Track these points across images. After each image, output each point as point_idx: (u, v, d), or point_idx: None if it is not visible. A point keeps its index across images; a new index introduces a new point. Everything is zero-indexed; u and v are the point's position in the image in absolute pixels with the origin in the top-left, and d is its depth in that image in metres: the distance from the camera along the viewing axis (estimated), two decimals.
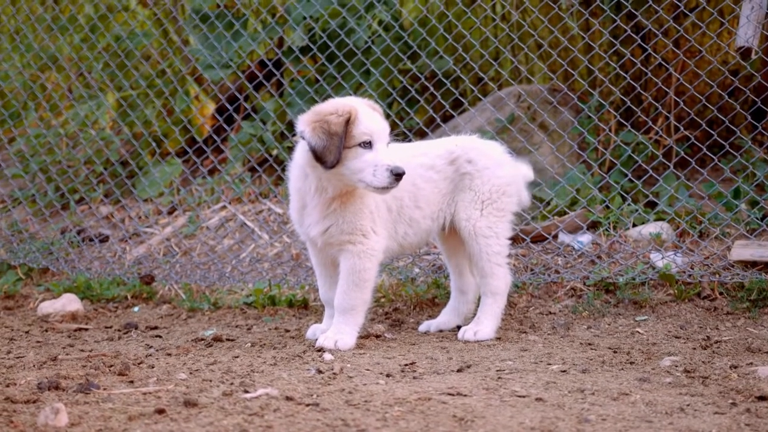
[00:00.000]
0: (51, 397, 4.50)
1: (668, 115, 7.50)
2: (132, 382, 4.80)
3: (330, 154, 5.27)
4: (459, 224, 5.80)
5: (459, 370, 5.01)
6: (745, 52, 6.65)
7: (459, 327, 5.98)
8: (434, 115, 7.76)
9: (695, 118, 7.17)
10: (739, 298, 6.25)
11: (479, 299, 5.92)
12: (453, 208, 5.82)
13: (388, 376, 4.90)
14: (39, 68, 9.43)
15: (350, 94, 8.06)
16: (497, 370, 4.99)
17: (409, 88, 8.04)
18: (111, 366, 5.16)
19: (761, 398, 4.39)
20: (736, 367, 4.99)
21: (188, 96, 8.87)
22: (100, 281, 7.41)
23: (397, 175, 5.22)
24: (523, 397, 4.44)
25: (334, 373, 4.92)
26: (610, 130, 7.58)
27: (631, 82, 7.30)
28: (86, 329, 6.50)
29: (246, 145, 8.37)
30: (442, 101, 7.79)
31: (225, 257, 7.64)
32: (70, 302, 6.90)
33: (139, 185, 8.59)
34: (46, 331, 6.46)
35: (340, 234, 5.53)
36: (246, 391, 4.52)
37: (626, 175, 7.25)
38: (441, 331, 6.07)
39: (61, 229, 8.33)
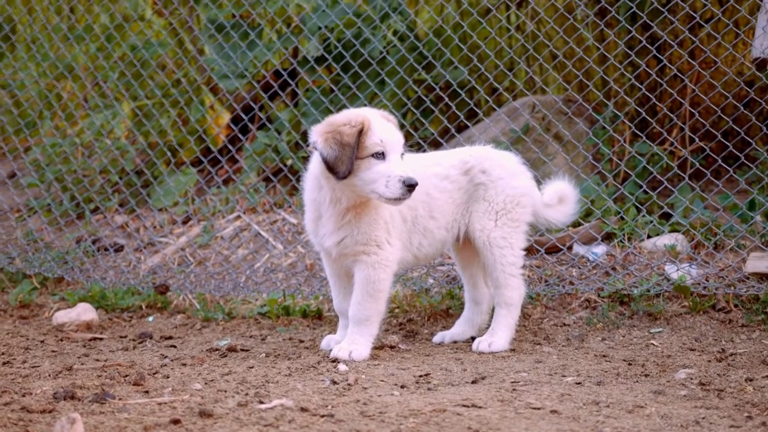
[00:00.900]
0: (67, 406, 4.51)
1: (683, 126, 7.49)
2: (147, 392, 4.81)
3: (342, 164, 5.28)
4: (473, 234, 5.80)
5: (473, 382, 5.00)
6: (761, 63, 6.65)
7: (473, 338, 5.97)
8: (449, 126, 7.76)
9: (710, 129, 7.16)
10: (754, 310, 6.23)
11: (493, 310, 5.92)
12: (467, 218, 5.81)
13: (402, 387, 4.90)
14: (55, 77, 9.47)
15: (365, 104, 8.08)
16: (512, 382, 4.98)
17: (424, 98, 8.04)
18: (126, 376, 5.17)
19: None
20: (751, 380, 4.98)
21: (203, 106, 8.90)
22: (114, 291, 7.43)
23: (410, 186, 5.21)
24: (538, 409, 4.43)
25: (349, 384, 4.93)
26: (624, 141, 7.57)
27: (646, 93, 7.30)
28: (101, 339, 6.52)
29: (261, 155, 8.39)
30: (457, 111, 7.79)
31: (239, 267, 7.65)
32: (85, 312, 6.91)
33: (154, 195, 8.62)
34: (61, 340, 6.47)
35: (354, 245, 5.54)
36: (261, 402, 4.52)
37: (641, 187, 7.24)
38: (455, 342, 6.06)
39: (76, 238, 8.36)
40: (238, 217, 8.23)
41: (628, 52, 7.41)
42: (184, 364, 5.54)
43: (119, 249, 8.19)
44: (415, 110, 8.09)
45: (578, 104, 7.75)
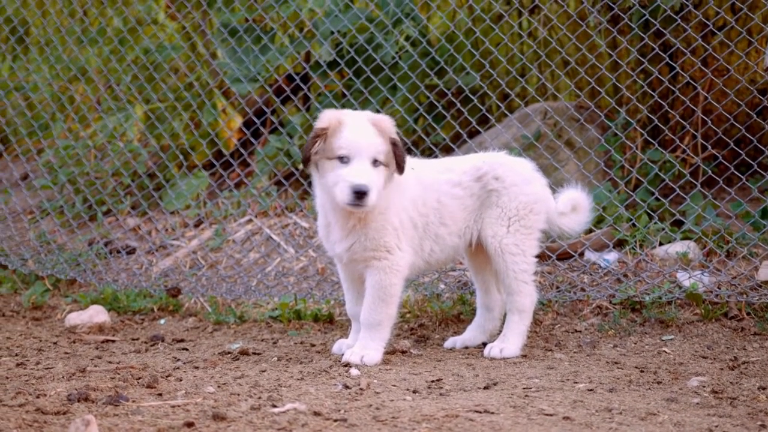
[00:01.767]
0: (81, 408, 4.53)
1: (695, 133, 7.48)
2: (160, 394, 4.83)
3: (304, 152, 5.40)
4: (485, 241, 5.80)
5: (485, 388, 5.01)
6: None
7: (485, 344, 5.98)
8: (460, 131, 7.78)
9: (723, 136, 7.16)
10: (766, 318, 6.23)
11: (505, 316, 5.92)
12: (480, 224, 5.81)
13: (414, 392, 4.91)
14: (68, 80, 9.50)
15: (377, 109, 8.09)
16: (524, 388, 4.99)
17: (436, 103, 8.06)
18: (139, 378, 5.19)
19: None
20: (764, 389, 4.98)
21: (215, 109, 8.92)
22: (126, 293, 7.45)
23: (357, 193, 5.21)
24: (551, 415, 4.44)
25: (361, 389, 4.94)
26: (636, 148, 7.58)
27: (658, 100, 7.30)
28: (113, 341, 6.54)
29: (272, 159, 8.41)
30: (469, 117, 7.81)
31: (251, 270, 7.67)
32: (97, 314, 6.93)
33: (166, 198, 8.64)
34: (74, 342, 6.50)
35: (363, 251, 5.56)
36: (274, 406, 4.54)
37: (653, 194, 7.25)
38: (466, 347, 6.07)
39: (88, 240, 8.38)
40: (250, 220, 8.24)
41: (641, 59, 7.41)
42: (197, 367, 5.56)
43: (131, 251, 8.21)
44: (426, 115, 8.11)
45: (590, 111, 7.75)
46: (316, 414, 4.40)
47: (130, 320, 7.16)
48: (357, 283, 5.77)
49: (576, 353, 5.89)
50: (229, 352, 6.00)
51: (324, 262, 7.52)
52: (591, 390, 4.96)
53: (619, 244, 7.16)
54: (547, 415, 4.45)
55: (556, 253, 7.01)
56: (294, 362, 5.68)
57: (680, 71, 7.38)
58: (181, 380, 5.17)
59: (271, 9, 8.58)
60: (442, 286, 6.97)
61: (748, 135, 7.23)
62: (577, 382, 5.12)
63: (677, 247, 6.90)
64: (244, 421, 4.29)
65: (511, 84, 8.36)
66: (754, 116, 7.05)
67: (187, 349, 6.20)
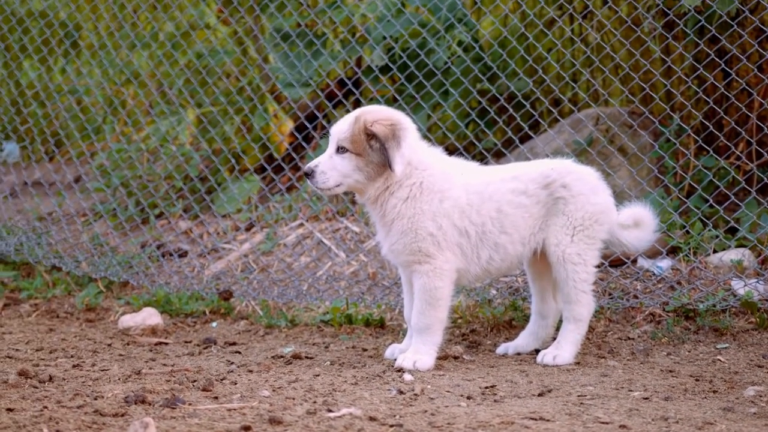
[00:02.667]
0: (138, 410, 4.57)
1: (750, 140, 7.41)
2: (216, 398, 4.86)
3: None
4: (548, 249, 5.76)
5: (540, 395, 5.00)
6: None
7: (537, 351, 5.96)
8: (512, 136, 7.75)
9: None
10: None
11: (559, 324, 5.90)
12: (545, 232, 5.77)
13: (468, 398, 4.90)
14: (121, 83, 9.59)
15: (429, 114, 8.11)
16: (578, 395, 4.97)
17: (488, 108, 8.05)
18: (194, 381, 5.22)
19: None
20: None
21: (267, 113, 8.96)
22: (179, 296, 7.51)
23: (306, 174, 5.58)
24: (607, 423, 4.42)
25: (415, 394, 4.94)
26: (690, 155, 7.52)
27: (713, 106, 7.25)
28: (166, 343, 6.58)
29: None
30: (521, 122, 7.79)
31: (302, 274, 7.70)
32: (150, 316, 6.99)
33: (217, 201, 8.70)
34: (128, 344, 6.55)
35: (398, 254, 5.64)
36: (329, 410, 4.55)
37: (707, 201, 7.19)
38: (518, 354, 6.05)
39: (141, 243, 8.45)
40: (301, 224, 8.27)
41: (696, 65, 7.36)
42: (251, 371, 5.58)
43: (183, 254, 8.27)
44: (478, 120, 8.09)
45: (643, 117, 7.70)
46: (372, 419, 4.41)
47: (182, 323, 7.21)
48: (411, 286, 5.80)
49: (629, 361, 5.86)
50: (281, 356, 6.02)
51: (375, 267, 7.53)
52: (646, 398, 4.93)
53: (673, 251, 7.11)
54: (602, 423, 4.43)
55: (609, 259, 6.97)
56: (347, 367, 5.70)
57: (736, 77, 7.32)
58: (235, 383, 5.20)
59: (324, 14, 8.60)
60: (494, 291, 6.96)
61: None
62: (631, 390, 5.09)
63: (732, 254, 6.84)
64: (301, 425, 4.30)
65: (563, 89, 8.34)
66: None
67: (239, 353, 6.23)
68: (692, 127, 7.64)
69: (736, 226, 7.12)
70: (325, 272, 7.69)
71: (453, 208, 5.63)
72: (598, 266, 5.83)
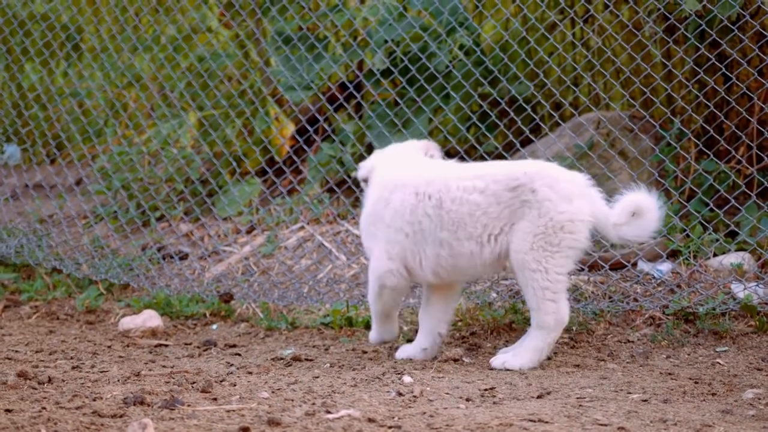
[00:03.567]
0: (137, 412, 4.57)
1: (751, 144, 7.42)
2: (215, 399, 4.86)
3: None
4: (510, 253, 5.58)
5: (539, 397, 5.00)
6: None
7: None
8: (513, 140, 7.76)
9: None
10: None
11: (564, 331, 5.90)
12: (510, 236, 5.58)
13: (467, 400, 4.91)
14: (123, 86, 9.60)
15: (430, 118, 8.11)
16: (577, 398, 4.97)
17: (489, 112, 8.05)
18: (194, 383, 5.23)
19: None
20: None
21: (269, 117, 8.96)
22: (179, 298, 7.51)
23: None
24: (605, 425, 4.42)
25: (414, 396, 4.94)
26: (690, 159, 7.53)
27: (714, 110, 7.25)
28: (166, 345, 6.59)
29: (325, 167, 8.43)
30: (522, 126, 7.79)
31: (302, 277, 7.70)
32: (151, 318, 7.00)
33: (218, 204, 8.70)
34: (128, 346, 6.56)
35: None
36: (328, 412, 4.55)
37: (707, 204, 7.19)
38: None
39: (141, 245, 8.46)
40: (302, 227, 8.28)
41: (696, 69, 7.36)
42: (250, 373, 5.59)
43: (184, 257, 8.27)
44: (479, 124, 8.09)
45: (644, 121, 7.71)
46: (371, 421, 4.42)
47: (182, 325, 7.21)
48: (427, 289, 5.89)
49: (629, 363, 5.86)
50: (281, 358, 6.03)
51: None
52: (645, 401, 4.93)
53: (673, 255, 7.11)
54: (601, 425, 4.43)
55: (608, 262, 6.97)
56: (347, 369, 5.70)
57: (736, 81, 7.32)
58: (235, 385, 5.20)
59: (325, 17, 8.62)
60: (494, 294, 6.96)
61: None
62: (630, 393, 5.10)
63: (732, 258, 6.84)
64: (299, 426, 4.31)
65: (565, 93, 8.33)
66: None
67: (239, 355, 6.24)
68: (693, 131, 7.64)
69: (736, 229, 7.13)
70: (326, 275, 7.69)
71: (386, 208, 5.79)
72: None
